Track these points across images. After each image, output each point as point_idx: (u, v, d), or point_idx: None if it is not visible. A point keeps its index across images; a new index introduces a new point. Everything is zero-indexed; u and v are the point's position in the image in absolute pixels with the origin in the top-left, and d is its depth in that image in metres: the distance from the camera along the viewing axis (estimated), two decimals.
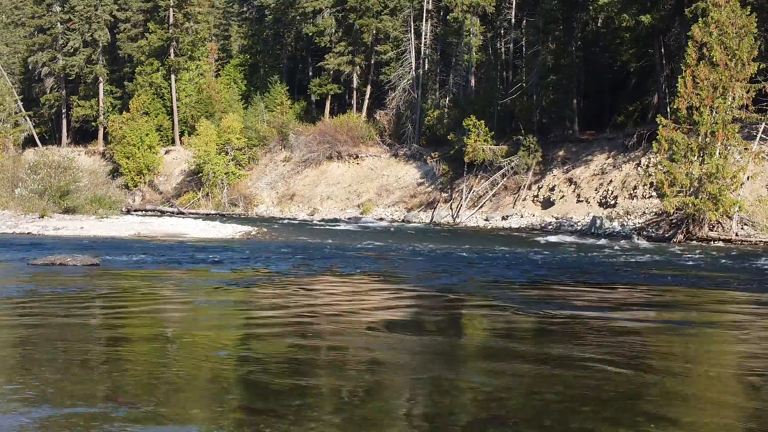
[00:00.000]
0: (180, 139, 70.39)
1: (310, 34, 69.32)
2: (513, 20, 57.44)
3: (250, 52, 79.90)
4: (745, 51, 33.58)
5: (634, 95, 52.90)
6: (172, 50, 70.90)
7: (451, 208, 52.48)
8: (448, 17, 59.88)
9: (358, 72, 68.55)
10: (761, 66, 34.64)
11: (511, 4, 57.06)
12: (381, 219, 52.24)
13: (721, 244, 32.63)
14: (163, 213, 57.28)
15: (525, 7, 56.98)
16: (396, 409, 6.89)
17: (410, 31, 63.31)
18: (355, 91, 69.29)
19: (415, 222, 50.91)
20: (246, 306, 13.71)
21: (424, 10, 62.34)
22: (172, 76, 70.41)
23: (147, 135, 66.65)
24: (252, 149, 64.56)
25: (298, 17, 71.24)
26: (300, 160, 63.12)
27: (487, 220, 48.86)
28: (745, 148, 35.38)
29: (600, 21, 52.16)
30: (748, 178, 35.32)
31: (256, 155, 65.01)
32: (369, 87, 68.13)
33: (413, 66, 62.49)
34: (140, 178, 66.45)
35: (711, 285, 18.12)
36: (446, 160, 54.64)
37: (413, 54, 62.54)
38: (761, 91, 35.36)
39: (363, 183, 59.33)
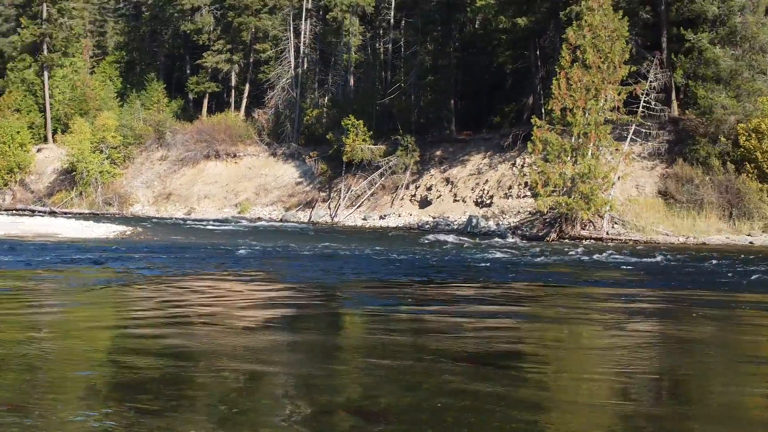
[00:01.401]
0: (53, 137, 68.33)
1: (188, 31, 68.35)
2: (392, 20, 57.79)
3: (126, 49, 78.28)
4: (617, 54, 34.49)
5: (510, 96, 53.66)
6: (45, 46, 68.67)
7: (329, 208, 52.43)
8: (327, 16, 59.79)
9: (237, 70, 67.88)
10: (632, 69, 35.67)
11: (390, 4, 57.37)
12: (259, 218, 51.79)
13: (592, 242, 33.42)
14: (34, 212, 55.55)
15: (404, 8, 57.32)
16: (271, 407, 6.83)
17: (289, 30, 63.01)
18: (233, 90, 68.59)
19: (293, 221, 50.67)
20: (121, 306, 13.44)
21: (304, 9, 62.15)
22: (46, 73, 68.22)
23: (18, 133, 64.60)
24: (128, 147, 63.18)
25: (176, 14, 70.03)
26: (177, 158, 62.08)
27: (365, 219, 48.95)
28: (616, 149, 36.31)
29: (478, 23, 52.82)
30: (618, 178, 36.24)
31: (131, 154, 63.69)
32: (248, 86, 67.48)
33: (292, 65, 62.24)
34: (10, 176, 64.37)
35: (579, 282, 18.56)
36: (325, 160, 54.53)
37: (292, 53, 62.33)
38: (632, 93, 36.39)
39: (241, 182, 58.76)
